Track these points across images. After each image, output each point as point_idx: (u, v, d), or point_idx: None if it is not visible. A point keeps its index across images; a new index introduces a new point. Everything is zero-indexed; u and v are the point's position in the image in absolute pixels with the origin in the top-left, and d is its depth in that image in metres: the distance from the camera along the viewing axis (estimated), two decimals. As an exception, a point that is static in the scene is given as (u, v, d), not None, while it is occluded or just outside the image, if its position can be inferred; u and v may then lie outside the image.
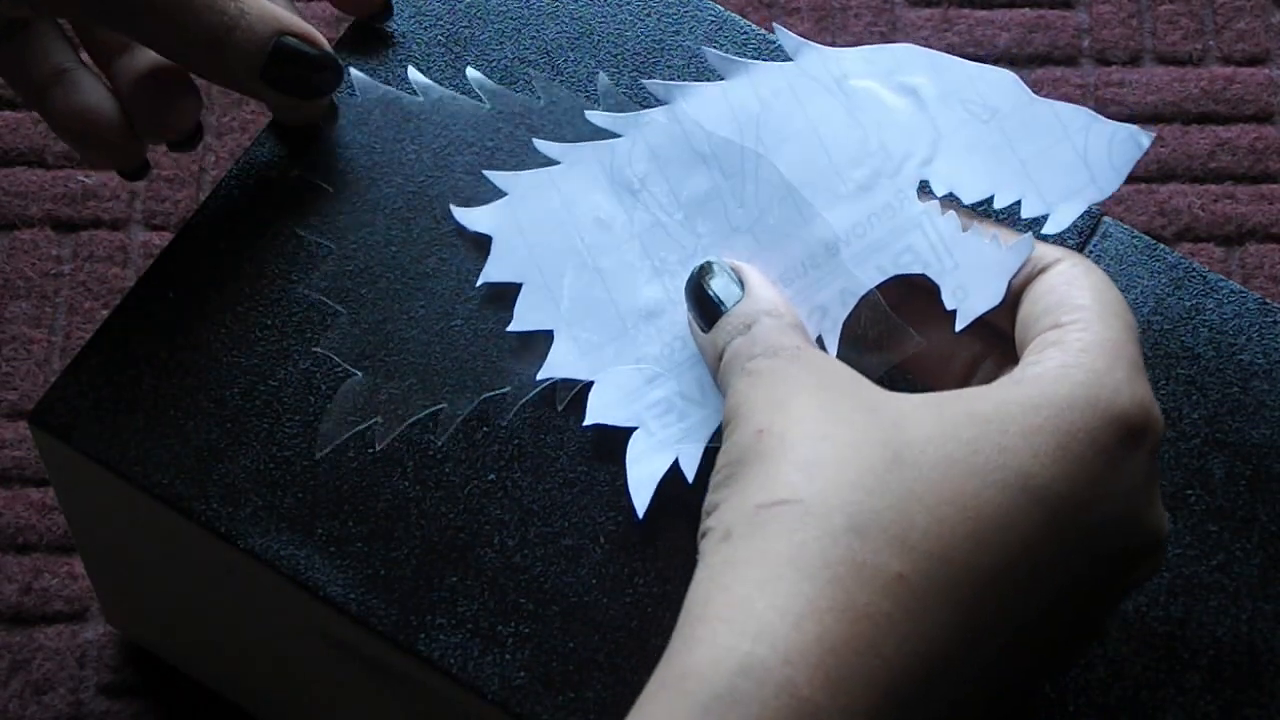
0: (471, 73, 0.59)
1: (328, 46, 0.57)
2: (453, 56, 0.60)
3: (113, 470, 0.54)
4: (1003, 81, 0.54)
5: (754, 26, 0.60)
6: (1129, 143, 0.53)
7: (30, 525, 0.70)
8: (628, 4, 0.60)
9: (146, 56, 0.58)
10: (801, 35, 0.79)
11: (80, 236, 0.75)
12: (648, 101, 0.58)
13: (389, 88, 0.58)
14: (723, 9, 0.60)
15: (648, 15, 0.60)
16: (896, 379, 0.53)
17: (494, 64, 0.59)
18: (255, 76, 0.56)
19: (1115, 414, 0.46)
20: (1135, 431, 0.47)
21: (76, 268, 0.75)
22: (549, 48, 0.60)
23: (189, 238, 0.57)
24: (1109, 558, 0.46)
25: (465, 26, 0.60)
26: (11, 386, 0.73)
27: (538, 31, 0.60)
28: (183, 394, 0.55)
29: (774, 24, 0.58)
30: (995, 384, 0.48)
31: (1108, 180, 0.53)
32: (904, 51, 0.55)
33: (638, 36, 0.60)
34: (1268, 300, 0.57)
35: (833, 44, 0.79)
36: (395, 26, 0.60)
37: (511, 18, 0.60)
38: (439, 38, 0.60)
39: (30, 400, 0.72)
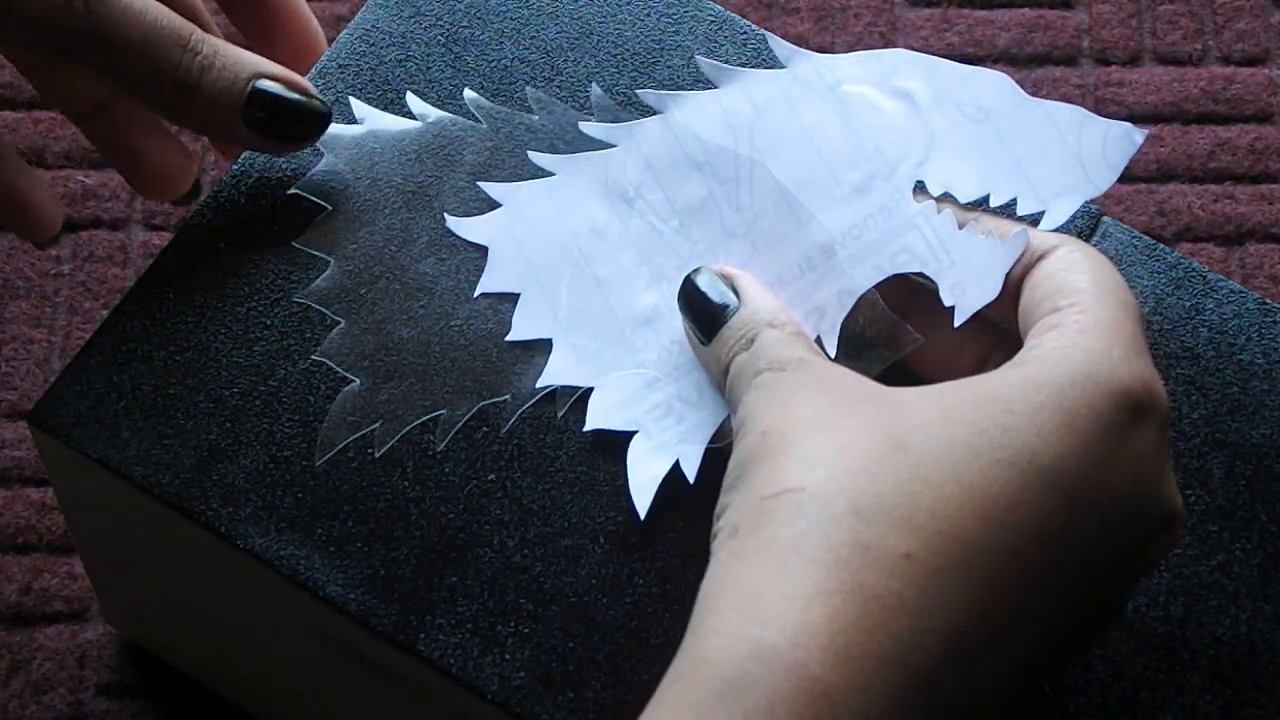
0: (469, 94, 0.59)
1: (311, 89, 0.57)
2: (453, 56, 0.60)
3: (113, 470, 0.54)
4: (996, 83, 0.54)
5: (753, 27, 0.60)
6: (1123, 140, 0.53)
7: (30, 525, 0.70)
8: (628, 4, 0.61)
9: (124, 119, 0.58)
10: (801, 35, 0.80)
11: (80, 236, 0.75)
12: (644, 107, 0.58)
13: (386, 114, 0.58)
14: (722, 9, 0.60)
15: (648, 15, 0.60)
16: (906, 379, 0.53)
17: (494, 64, 0.59)
18: (234, 119, 0.55)
19: (1115, 389, 0.47)
20: (1138, 406, 0.47)
21: (76, 268, 0.75)
22: (549, 48, 0.60)
23: (189, 238, 0.57)
24: (1121, 532, 0.46)
25: (465, 26, 0.60)
26: (11, 386, 0.73)
27: (538, 31, 0.60)
28: (183, 394, 0.55)
29: (766, 33, 0.58)
30: (997, 370, 0.48)
31: (1102, 177, 0.53)
32: (896, 56, 0.55)
33: (638, 37, 0.60)
34: (1268, 300, 0.57)
35: (832, 44, 0.80)
36: (395, 26, 0.60)
37: (511, 18, 0.60)
38: (439, 38, 0.60)
39: (30, 400, 0.72)
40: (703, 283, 0.53)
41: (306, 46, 0.60)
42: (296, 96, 0.56)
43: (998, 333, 0.52)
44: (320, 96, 0.57)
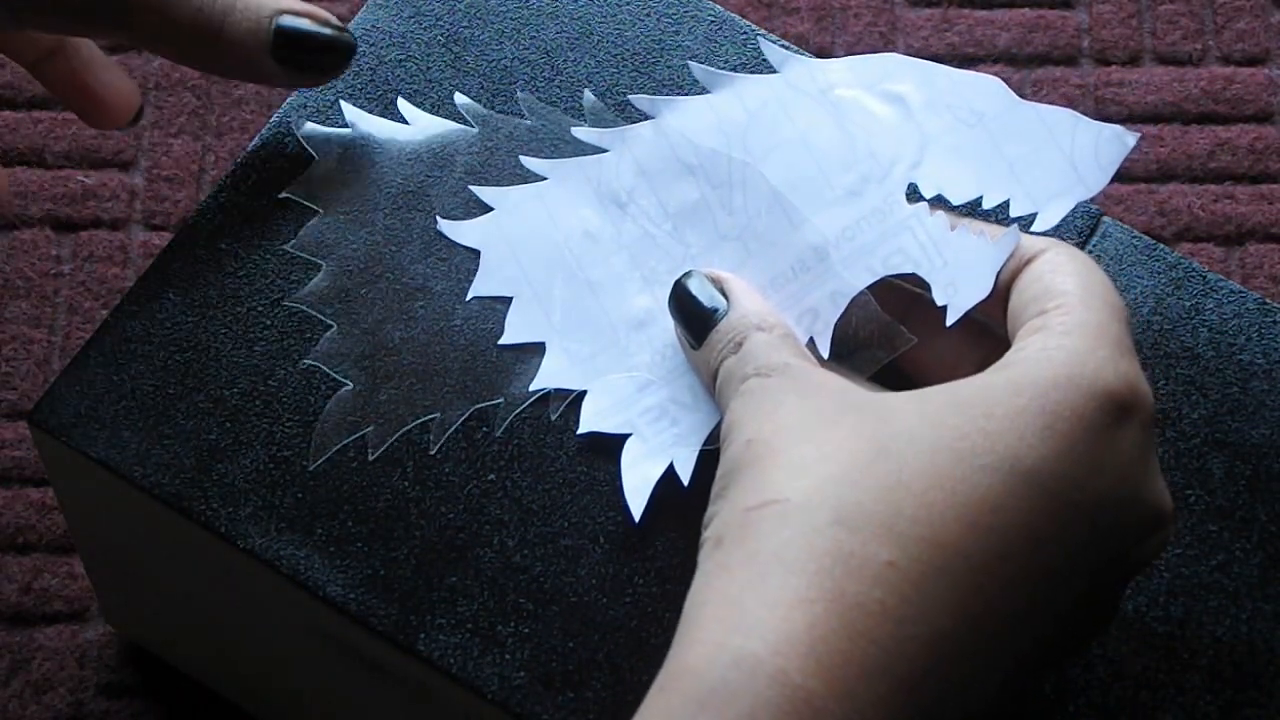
0: (459, 98, 0.59)
1: (334, 20, 0.57)
2: (452, 57, 0.60)
3: (113, 470, 0.54)
4: (988, 87, 0.54)
5: (753, 26, 0.60)
6: (1114, 142, 0.53)
7: (30, 525, 0.70)
8: (628, 4, 0.61)
9: (75, 59, 0.59)
10: (801, 35, 0.80)
11: (80, 236, 0.75)
12: (637, 111, 0.58)
13: (377, 118, 0.58)
14: (722, 9, 0.60)
15: (648, 15, 0.60)
16: (908, 387, 0.53)
17: (493, 64, 0.59)
18: (263, 58, 0.55)
19: (1099, 390, 0.46)
20: (1121, 406, 0.47)
21: (76, 268, 0.75)
22: (548, 48, 0.60)
23: (189, 238, 0.57)
24: (1108, 534, 0.46)
25: (465, 26, 0.60)
26: (11, 386, 0.73)
27: (538, 31, 0.60)
28: (183, 394, 0.55)
29: (760, 37, 0.58)
30: (981, 374, 0.48)
31: (1095, 179, 0.53)
32: (889, 61, 0.55)
33: (637, 36, 0.60)
34: (1268, 300, 0.57)
35: (832, 44, 0.80)
36: (394, 26, 0.60)
37: (511, 18, 0.60)
38: (439, 38, 0.60)
39: (30, 400, 0.72)
40: (693, 286, 0.53)
41: (123, 104, 0.61)
42: (322, 29, 0.56)
43: (998, 339, 0.52)
44: (344, 26, 0.57)
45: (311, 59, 0.56)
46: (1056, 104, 0.78)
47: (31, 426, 0.55)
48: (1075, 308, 0.48)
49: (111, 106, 0.61)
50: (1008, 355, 0.48)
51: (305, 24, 0.56)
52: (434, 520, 0.53)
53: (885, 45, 0.80)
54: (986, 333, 0.52)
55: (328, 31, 0.56)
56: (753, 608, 0.44)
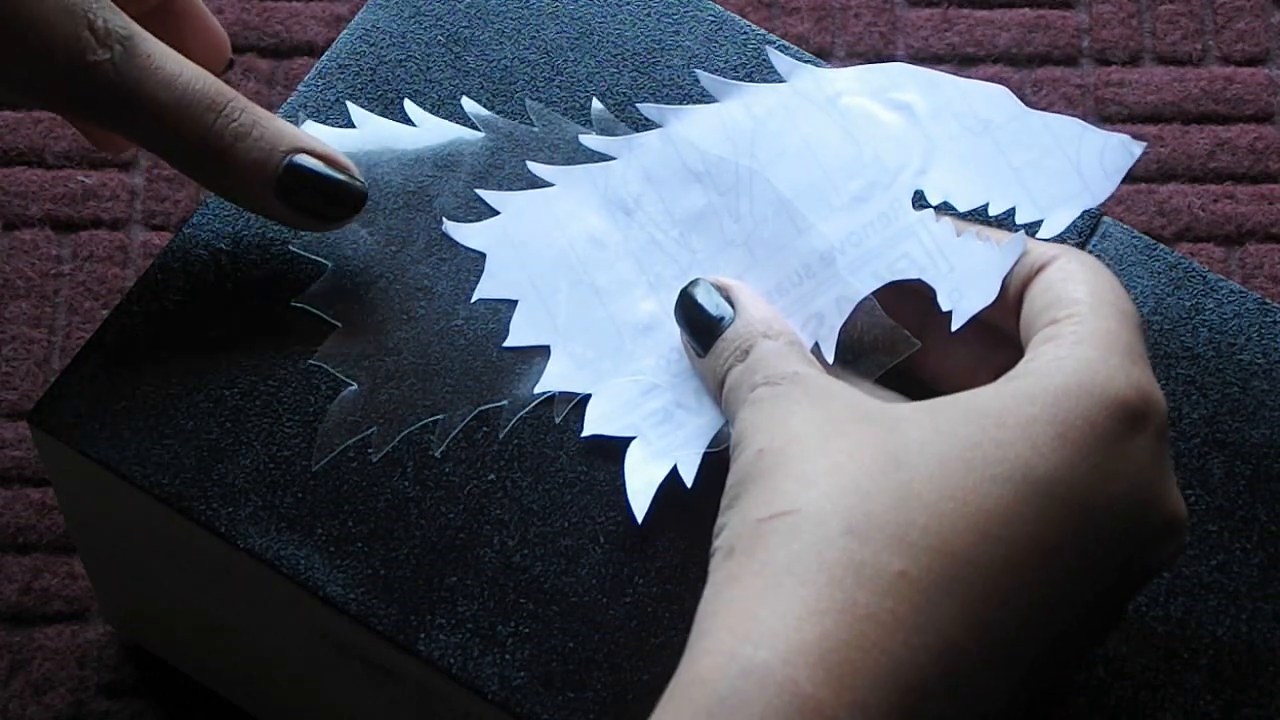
0: (467, 103, 0.59)
1: (351, 168, 0.55)
2: (453, 57, 0.60)
3: (113, 470, 0.54)
4: (995, 95, 0.54)
5: (754, 26, 0.60)
6: (1120, 150, 0.53)
7: (30, 525, 0.70)
8: (628, 4, 0.61)
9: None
10: (801, 35, 0.80)
11: (80, 236, 0.75)
12: (643, 116, 0.58)
13: (384, 119, 0.58)
14: (723, 9, 0.60)
15: (648, 15, 0.60)
16: (925, 395, 0.53)
17: (494, 64, 0.59)
18: (265, 191, 0.54)
19: (1110, 398, 0.46)
20: (1134, 415, 0.47)
21: (76, 268, 0.75)
22: (549, 48, 0.60)
23: (189, 238, 0.57)
24: (1120, 542, 0.46)
25: (465, 26, 0.60)
26: (11, 386, 0.73)
27: (538, 31, 0.60)
28: (183, 394, 0.55)
29: (766, 46, 0.58)
30: (993, 384, 0.48)
31: (1100, 187, 0.53)
32: (896, 70, 0.55)
33: (638, 36, 0.60)
34: (1268, 300, 0.57)
35: (832, 44, 0.80)
36: (395, 26, 0.60)
37: (511, 18, 0.60)
38: (439, 38, 0.60)
39: (30, 400, 0.72)
40: (699, 295, 0.53)
41: (213, 55, 0.59)
42: (335, 174, 0.54)
43: (1016, 347, 0.52)
44: (358, 175, 0.55)
45: (315, 203, 0.54)
46: (1056, 104, 0.78)
47: (31, 426, 0.55)
48: (1086, 316, 0.48)
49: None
50: (1020, 365, 0.48)
51: (317, 165, 0.54)
52: (434, 520, 0.53)
53: (885, 45, 0.80)
54: (1005, 340, 0.52)
55: (340, 177, 0.54)
56: (764, 618, 0.44)
